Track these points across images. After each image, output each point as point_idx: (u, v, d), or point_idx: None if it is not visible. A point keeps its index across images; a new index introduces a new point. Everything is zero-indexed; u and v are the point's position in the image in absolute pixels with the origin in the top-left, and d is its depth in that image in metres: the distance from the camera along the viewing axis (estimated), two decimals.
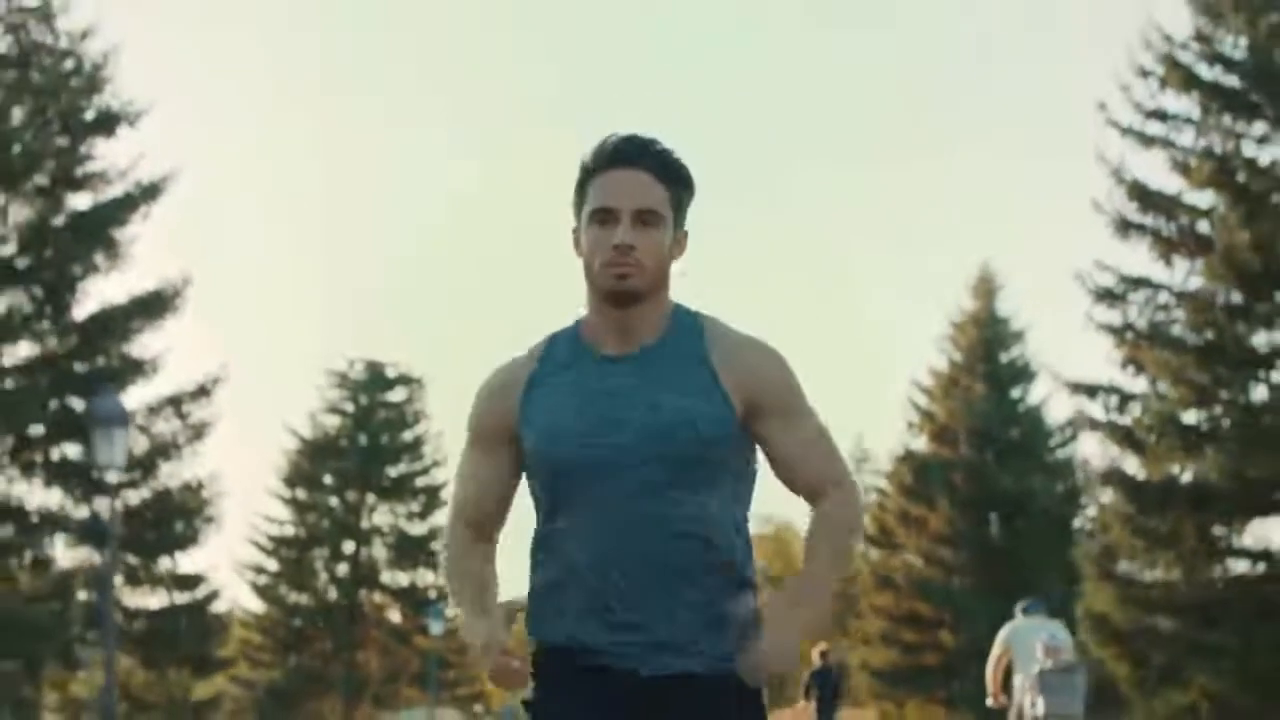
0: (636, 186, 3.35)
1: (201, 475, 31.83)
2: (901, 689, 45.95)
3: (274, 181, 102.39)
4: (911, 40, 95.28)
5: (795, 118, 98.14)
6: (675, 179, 3.41)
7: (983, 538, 45.27)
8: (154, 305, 30.68)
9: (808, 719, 22.11)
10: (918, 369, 53.46)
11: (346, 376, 51.39)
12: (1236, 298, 28.63)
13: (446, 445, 51.83)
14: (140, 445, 29.87)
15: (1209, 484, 27.99)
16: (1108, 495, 29.89)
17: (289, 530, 49.89)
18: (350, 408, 51.13)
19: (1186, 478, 28.80)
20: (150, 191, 30.50)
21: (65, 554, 30.03)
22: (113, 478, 19.47)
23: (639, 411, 3.35)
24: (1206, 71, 29.33)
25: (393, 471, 50.80)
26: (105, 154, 30.65)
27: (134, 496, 30.44)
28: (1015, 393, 46.75)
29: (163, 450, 31.17)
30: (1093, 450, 32.99)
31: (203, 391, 31.57)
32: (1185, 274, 29.19)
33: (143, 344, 30.89)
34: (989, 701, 15.00)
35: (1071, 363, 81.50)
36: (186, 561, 32.39)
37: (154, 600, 32.13)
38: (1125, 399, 29.65)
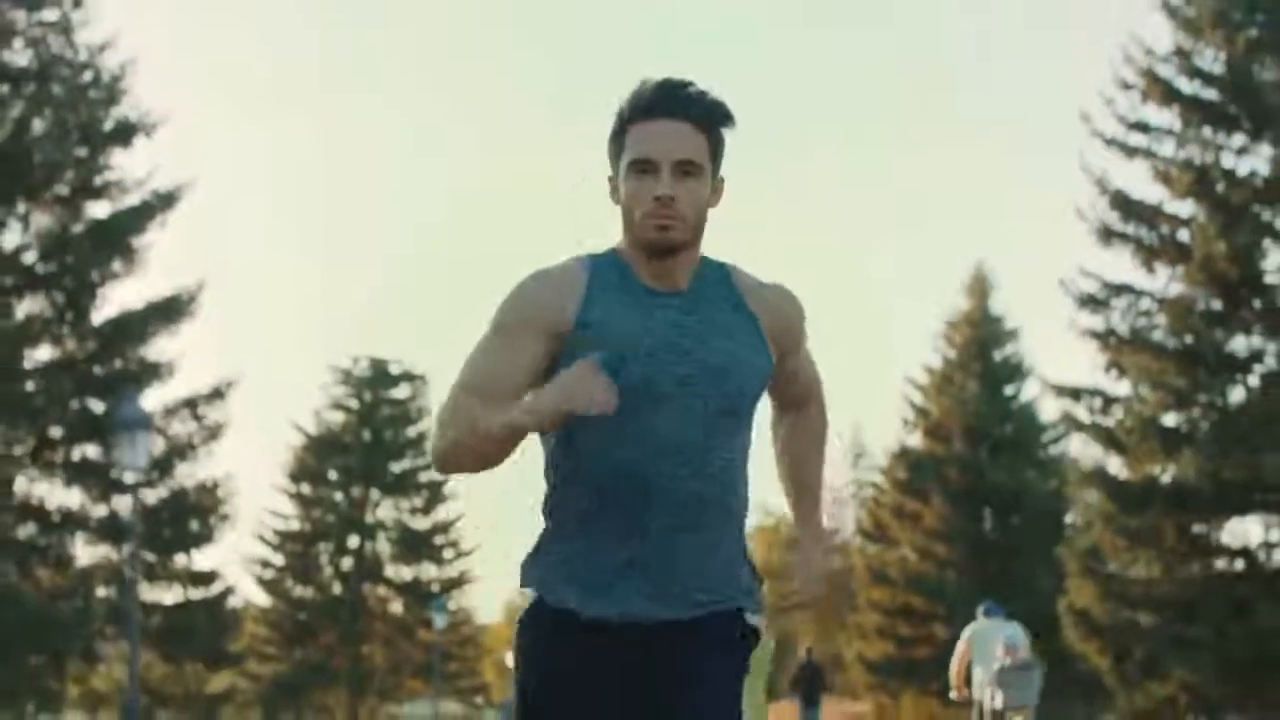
0: (676, 137, 3.29)
1: (216, 475, 32.34)
2: (896, 681, 46.28)
3: (275, 184, 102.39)
4: (911, 39, 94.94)
5: (794, 118, 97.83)
6: (715, 125, 3.35)
7: (976, 533, 45.61)
8: (170, 310, 31.10)
9: (793, 713, 22.89)
10: (913, 367, 53.80)
11: (351, 373, 51.50)
12: (1215, 304, 29.08)
13: None
14: (157, 446, 30.18)
15: (1188, 484, 28.39)
16: (1091, 495, 30.27)
17: (294, 525, 49.98)
18: (355, 404, 51.24)
19: (1166, 478, 29.17)
20: (167, 200, 30.92)
21: (85, 551, 30.57)
22: (131, 478, 20.00)
23: (698, 347, 3.32)
24: (1186, 85, 29.82)
25: (396, 467, 50.86)
26: (123, 164, 31.25)
27: (151, 495, 30.85)
28: (1008, 390, 47.16)
29: (179, 451, 31.63)
30: (1079, 450, 33.38)
31: (217, 394, 32.04)
32: (1166, 281, 29.63)
33: (159, 348, 31.37)
34: (952, 694, 16.38)
35: (1065, 362, 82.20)
36: (201, 558, 32.99)
37: (170, 596, 32.71)
38: (1108, 401, 30.08)
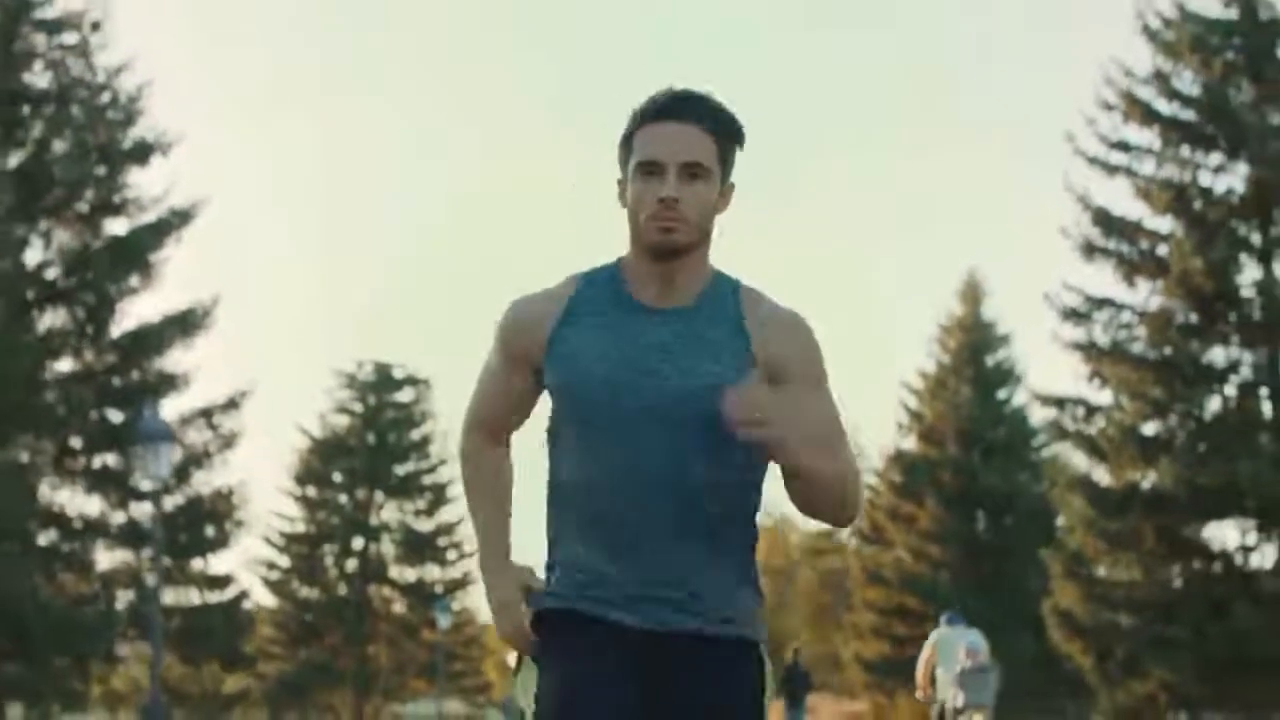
0: (683, 139, 3.26)
1: (231, 482, 32.90)
2: (892, 680, 46.03)
3: (277, 191, 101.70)
4: (911, 41, 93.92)
5: (794, 118, 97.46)
6: (724, 132, 3.31)
7: (969, 534, 46.00)
8: (186, 323, 31.65)
9: (778, 712, 23.80)
10: (909, 371, 53.60)
11: (355, 378, 51.75)
12: (1193, 317, 29.55)
13: (453, 444, 51.32)
14: (174, 455, 30.83)
15: (1166, 490, 28.86)
16: (1075, 500, 30.65)
17: (300, 527, 50.21)
18: (359, 408, 51.48)
19: (1146, 484, 29.59)
20: (183, 216, 31.48)
21: (105, 556, 31.16)
22: (148, 486, 20.63)
23: (671, 370, 3.25)
24: (1165, 107, 30.37)
25: (400, 470, 51.11)
26: (140, 182, 31.78)
27: (168, 502, 31.28)
28: (1001, 394, 47.53)
29: (195, 459, 32.20)
30: (1064, 457, 33.96)
31: (232, 404, 32.65)
32: (1146, 295, 30.09)
33: (175, 359, 31.95)
34: (918, 694, 17.96)
35: (1060, 365, 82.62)
36: (216, 562, 33.66)
37: (187, 599, 33.16)
38: (1091, 410, 30.60)
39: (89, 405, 30.27)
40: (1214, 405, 29.82)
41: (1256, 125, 29.31)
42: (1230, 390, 29.76)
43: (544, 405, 3.44)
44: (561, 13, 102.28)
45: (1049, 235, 77.69)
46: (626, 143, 3.32)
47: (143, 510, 30.51)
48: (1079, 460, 31.46)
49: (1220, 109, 29.69)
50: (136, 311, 31.75)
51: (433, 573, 51.20)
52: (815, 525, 62.38)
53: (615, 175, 3.37)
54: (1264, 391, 29.66)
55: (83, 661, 29.50)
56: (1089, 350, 30.21)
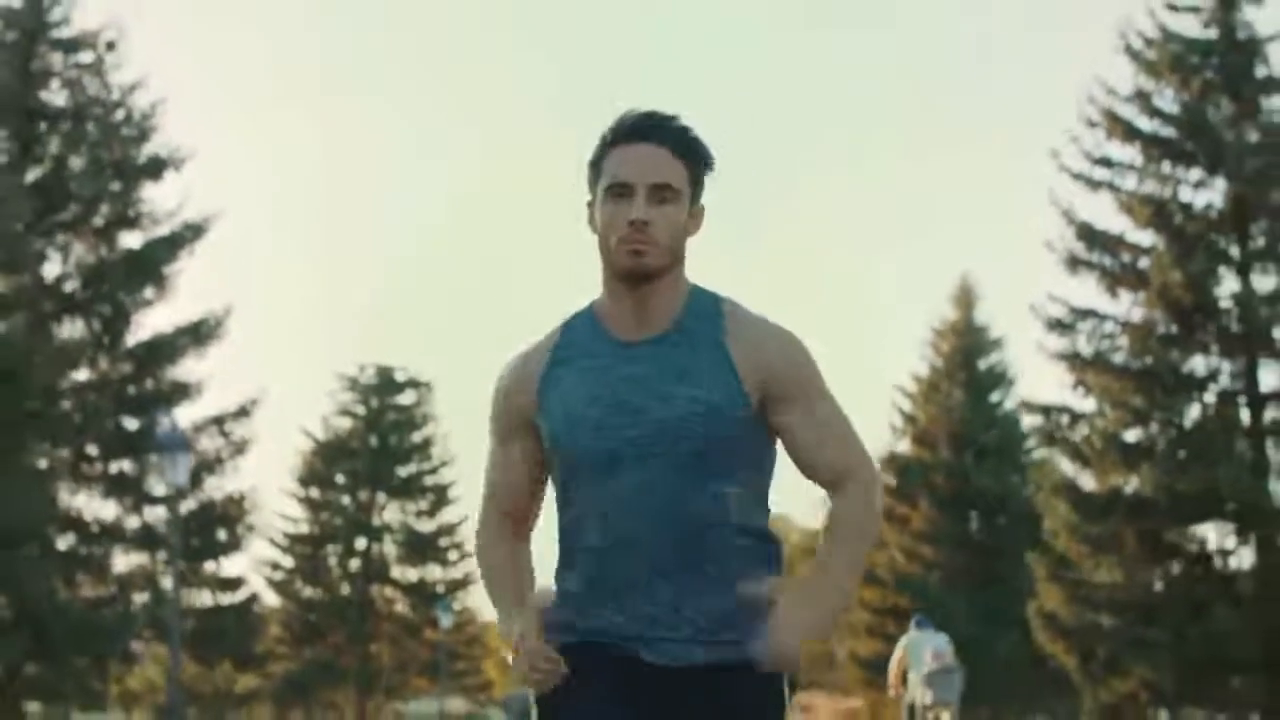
0: (653, 161, 3.21)
1: (243, 488, 33.53)
2: (886, 677, 47.12)
3: (278, 194, 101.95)
4: (911, 42, 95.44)
5: (792, 118, 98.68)
6: (693, 154, 3.27)
7: (962, 535, 46.10)
8: (198, 333, 32.18)
9: None
10: (902, 374, 53.83)
11: (357, 380, 51.97)
12: (1173, 328, 29.95)
13: (454, 446, 51.51)
14: (191, 463, 31.35)
15: (1147, 495, 29.25)
16: (1060, 504, 30.97)
17: (304, 528, 50.34)
18: (361, 410, 51.68)
19: (1128, 490, 29.90)
20: (196, 230, 32.03)
21: (121, 559, 31.63)
22: (162, 491, 21.11)
23: (652, 402, 3.20)
24: (1147, 124, 30.78)
25: (402, 471, 51.33)
26: (154, 196, 32.36)
27: (182, 507, 31.37)
28: (993, 397, 47.69)
29: (208, 465, 32.75)
30: (1049, 462, 34.28)
31: (243, 411, 33.24)
32: (1128, 306, 30.43)
33: (188, 368, 32.49)
34: (890, 693, 19.35)
35: (1050, 370, 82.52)
36: (229, 565, 34.30)
37: (201, 601, 33.77)
38: (1075, 418, 30.97)
39: (105, 413, 30.68)
40: (1194, 413, 30.11)
41: (1234, 142, 29.74)
42: (1209, 398, 30.07)
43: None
44: (561, 13, 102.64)
45: (1040, 243, 77.89)
46: (595, 165, 3.28)
47: (157, 515, 31.03)
48: (1064, 466, 31.81)
49: (1200, 126, 30.10)
50: (151, 322, 32.36)
51: (434, 573, 51.38)
52: (812, 525, 63.06)
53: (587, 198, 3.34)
54: (1242, 400, 30.02)
55: (101, 662, 29.92)
56: (1073, 360, 30.53)
